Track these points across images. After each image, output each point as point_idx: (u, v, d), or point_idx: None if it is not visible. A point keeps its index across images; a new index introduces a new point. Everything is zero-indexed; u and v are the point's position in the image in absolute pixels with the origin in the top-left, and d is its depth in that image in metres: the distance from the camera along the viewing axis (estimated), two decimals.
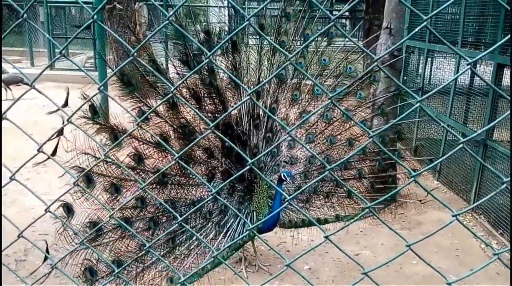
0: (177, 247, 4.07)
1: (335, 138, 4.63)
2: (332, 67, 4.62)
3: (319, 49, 4.62)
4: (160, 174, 3.94)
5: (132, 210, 3.89)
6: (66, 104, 1.49)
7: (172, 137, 4.08)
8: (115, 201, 3.77)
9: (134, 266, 3.79)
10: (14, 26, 1.57)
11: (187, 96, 4.10)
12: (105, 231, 3.76)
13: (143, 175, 3.92)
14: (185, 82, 4.00)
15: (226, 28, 4.48)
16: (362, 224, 5.27)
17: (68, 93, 1.71)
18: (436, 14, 6.66)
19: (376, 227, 5.45)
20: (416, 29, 1.27)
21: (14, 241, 1.72)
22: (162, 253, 3.97)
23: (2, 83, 11.36)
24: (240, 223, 4.37)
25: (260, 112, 4.43)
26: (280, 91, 4.52)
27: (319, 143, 4.67)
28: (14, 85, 11.50)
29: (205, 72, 4.06)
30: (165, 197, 4.09)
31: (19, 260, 4.79)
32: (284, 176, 4.12)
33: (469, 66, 1.15)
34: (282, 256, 1.48)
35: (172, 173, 4.14)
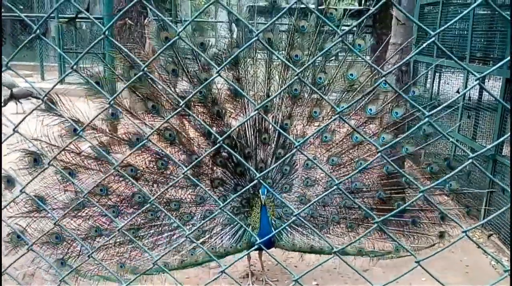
0: (142, 239, 4.05)
1: (367, 161, 4.26)
2: (362, 82, 4.27)
3: (345, 63, 4.33)
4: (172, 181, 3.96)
5: (91, 196, 3.86)
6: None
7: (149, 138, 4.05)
8: (68, 184, 3.77)
9: (79, 244, 3.81)
10: (27, 41, 1.60)
11: (173, 103, 4.06)
12: (55, 208, 3.78)
13: (109, 167, 3.92)
14: (172, 89, 4.04)
15: (227, 42, 4.33)
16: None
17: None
18: (443, 30, 6.67)
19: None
20: (423, 45, 1.28)
21: (24, 254, 1.73)
22: (118, 240, 3.97)
23: (13, 97, 11.52)
24: (229, 233, 4.30)
25: (270, 127, 4.30)
26: (295, 107, 4.32)
27: (344, 165, 4.35)
28: (24, 99, 11.64)
29: (196, 82, 4.06)
30: (134, 191, 4.03)
31: (27, 274, 4.78)
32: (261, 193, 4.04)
33: (477, 82, 1.15)
34: (289, 272, 1.47)
35: (146, 170, 4.09)
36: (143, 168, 4.08)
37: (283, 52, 4.27)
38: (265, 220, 4.17)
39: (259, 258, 4.84)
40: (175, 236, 4.16)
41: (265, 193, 4.07)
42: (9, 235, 3.60)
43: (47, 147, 3.63)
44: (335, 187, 1.38)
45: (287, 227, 4.30)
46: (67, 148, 3.72)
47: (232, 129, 4.11)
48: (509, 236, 5.47)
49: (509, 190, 1.20)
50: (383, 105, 4.25)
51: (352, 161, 4.34)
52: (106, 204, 3.99)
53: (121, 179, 3.93)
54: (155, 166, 4.11)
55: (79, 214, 3.86)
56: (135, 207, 4.06)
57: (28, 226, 3.68)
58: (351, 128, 4.24)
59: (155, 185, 4.12)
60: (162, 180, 4.15)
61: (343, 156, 4.36)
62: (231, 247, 4.27)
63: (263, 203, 4.12)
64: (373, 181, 4.38)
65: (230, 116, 4.28)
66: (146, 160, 4.07)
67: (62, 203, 3.83)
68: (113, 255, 3.97)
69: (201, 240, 4.18)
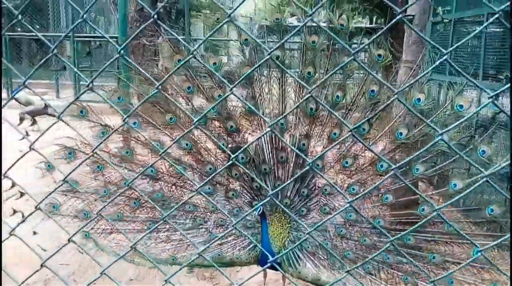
0: (158, 232, 4.26)
1: (391, 194, 3.96)
2: (384, 99, 3.93)
3: (366, 80, 4.00)
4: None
5: (115, 187, 4.20)
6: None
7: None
8: (97, 174, 4.22)
9: (102, 224, 4.23)
10: (44, 61, 1.64)
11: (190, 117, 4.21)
12: (84, 190, 4.20)
13: (132, 165, 4.24)
14: (188, 102, 4.23)
15: (239, 61, 4.35)
16: None
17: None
18: (456, 48, 6.67)
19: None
20: (436, 63, 1.28)
21: (37, 271, 1.74)
22: (136, 228, 4.26)
23: (28, 115, 11.70)
24: (241, 245, 4.26)
25: (287, 146, 4.21)
26: (313, 127, 4.15)
27: (368, 196, 4.03)
28: (39, 117, 11.81)
29: (210, 98, 4.19)
30: (155, 189, 4.28)
31: None
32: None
33: (491, 100, 1.15)
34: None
35: (166, 173, 4.31)
36: (163, 171, 4.30)
37: (297, 70, 4.18)
38: (265, 238, 4.07)
39: (283, 280, 4.64)
40: (190, 235, 4.28)
41: (258, 210, 3.94)
42: (46, 204, 4.06)
43: (80, 143, 4.16)
44: (347, 205, 1.36)
45: (298, 253, 4.13)
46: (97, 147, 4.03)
47: (244, 147, 4.04)
48: None
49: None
50: (417, 129, 3.78)
51: (378, 192, 4.00)
52: (130, 195, 4.26)
53: (143, 177, 4.23)
54: (174, 170, 4.27)
55: (107, 200, 4.14)
56: (154, 202, 4.24)
57: (64, 202, 4.16)
58: (374, 154, 3.92)
59: (173, 187, 4.33)
60: (181, 184, 4.32)
61: (366, 185, 4.06)
62: (237, 258, 4.22)
63: (255, 217, 4.11)
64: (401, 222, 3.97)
65: (246, 132, 4.30)
66: (166, 164, 4.26)
67: (93, 188, 4.24)
68: (130, 239, 4.10)
69: (214, 244, 4.22)
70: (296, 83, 4.22)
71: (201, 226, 4.30)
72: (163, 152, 1.50)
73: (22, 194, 4.38)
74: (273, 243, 4.16)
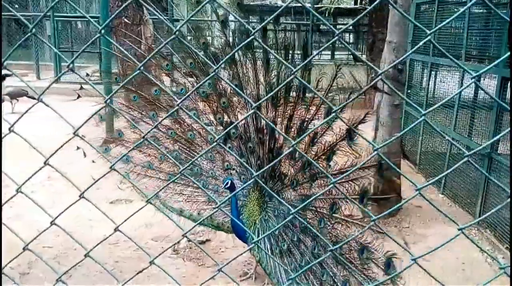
0: (175, 184, 4.80)
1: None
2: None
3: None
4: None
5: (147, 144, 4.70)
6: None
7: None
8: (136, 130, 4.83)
9: (137, 170, 4.85)
10: (22, 40, 1.60)
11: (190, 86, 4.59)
12: (129, 142, 4.88)
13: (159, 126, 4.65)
14: (192, 76, 4.58)
15: (222, 41, 4.48)
16: (364, 238, 5.14)
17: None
18: (439, 28, 6.70)
19: (379, 239, 5.39)
20: (420, 44, 1.27)
21: (20, 253, 1.72)
22: (161, 178, 4.81)
23: (8, 97, 11.49)
24: (226, 215, 4.58)
25: (264, 128, 4.36)
26: (277, 115, 4.30)
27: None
28: (19, 98, 11.62)
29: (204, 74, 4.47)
30: (175, 149, 4.77)
31: (23, 273, 4.78)
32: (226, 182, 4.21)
33: (473, 80, 1.16)
34: (285, 269, 1.47)
35: (181, 137, 4.75)
36: (178, 135, 4.74)
37: (263, 53, 4.30)
38: (234, 210, 4.27)
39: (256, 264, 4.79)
40: (195, 194, 4.83)
41: (225, 183, 4.22)
42: (101, 146, 4.81)
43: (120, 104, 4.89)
44: (331, 185, 1.36)
45: (260, 233, 4.35)
46: (133, 107, 4.81)
47: (227, 130, 4.34)
48: (504, 233, 5.49)
49: (507, 189, 1.19)
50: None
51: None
52: (158, 151, 4.75)
53: (167, 137, 4.80)
54: (184, 140, 4.74)
55: (143, 151, 4.85)
56: (166, 160, 4.84)
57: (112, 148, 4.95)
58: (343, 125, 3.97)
59: (187, 150, 4.75)
60: (193, 148, 4.75)
61: (303, 185, 4.28)
62: (222, 224, 4.72)
63: (222, 189, 4.43)
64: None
65: (236, 108, 4.54)
66: (178, 130, 4.72)
67: (132, 140, 4.88)
68: (155, 186, 4.83)
69: (207, 207, 4.84)
70: (262, 67, 4.34)
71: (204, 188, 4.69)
72: (148, 132, 1.48)
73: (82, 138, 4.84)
74: (247, 218, 4.43)
